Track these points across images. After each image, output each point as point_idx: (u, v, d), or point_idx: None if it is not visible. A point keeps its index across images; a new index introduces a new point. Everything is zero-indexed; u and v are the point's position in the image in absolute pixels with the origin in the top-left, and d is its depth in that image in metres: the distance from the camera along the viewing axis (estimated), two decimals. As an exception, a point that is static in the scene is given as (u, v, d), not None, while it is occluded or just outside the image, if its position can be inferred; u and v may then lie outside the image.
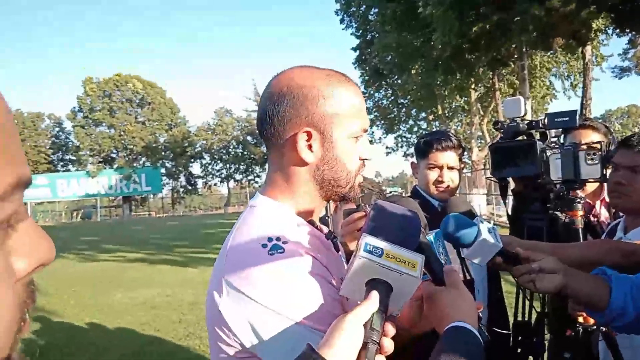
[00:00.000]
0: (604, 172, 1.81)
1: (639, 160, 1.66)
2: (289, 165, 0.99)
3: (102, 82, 47.87)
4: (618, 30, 15.25)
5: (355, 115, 0.99)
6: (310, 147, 0.96)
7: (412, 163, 2.37)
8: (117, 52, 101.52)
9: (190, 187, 52.84)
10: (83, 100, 47.63)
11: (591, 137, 2.24)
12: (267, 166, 0.99)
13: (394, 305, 0.83)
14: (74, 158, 50.98)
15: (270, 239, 0.90)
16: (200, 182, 53.17)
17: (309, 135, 0.95)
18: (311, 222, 1.03)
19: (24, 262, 0.38)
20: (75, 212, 48.71)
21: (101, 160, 48.39)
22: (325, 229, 1.09)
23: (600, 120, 2.40)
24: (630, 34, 16.72)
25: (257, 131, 1.04)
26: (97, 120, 47.53)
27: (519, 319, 2.09)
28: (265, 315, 0.84)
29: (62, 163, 52.78)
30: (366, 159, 1.05)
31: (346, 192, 1.03)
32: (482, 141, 27.92)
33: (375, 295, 0.77)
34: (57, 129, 52.87)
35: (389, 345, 0.77)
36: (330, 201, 1.13)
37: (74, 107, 48.55)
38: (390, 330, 0.79)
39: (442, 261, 1.08)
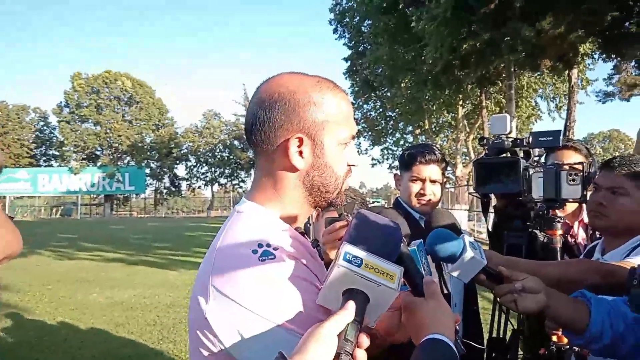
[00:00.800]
0: (585, 193, 1.84)
1: (619, 182, 1.68)
2: (279, 171, 0.98)
3: (91, 78, 47.53)
4: (604, 56, 15.57)
5: (345, 122, 1.00)
6: (300, 153, 0.95)
7: (395, 175, 2.37)
8: (108, 50, 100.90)
9: (174, 189, 52.52)
10: (70, 96, 47.20)
11: (573, 158, 2.27)
12: (252, 172, 0.97)
13: (370, 317, 0.82)
14: (57, 153, 50.43)
15: (260, 245, 0.89)
16: (184, 185, 52.98)
17: (301, 141, 0.95)
18: (297, 229, 1.03)
19: None
20: (55, 209, 48.07)
21: (85, 157, 47.90)
22: (313, 234, 1.09)
23: (582, 143, 2.44)
24: (615, 60, 17.07)
25: (244, 136, 1.03)
26: (84, 117, 47.09)
27: (494, 334, 2.10)
28: (255, 322, 0.83)
29: (44, 158, 52.14)
30: (353, 165, 1.05)
31: (334, 197, 1.03)
32: (467, 157, 28.22)
33: (351, 306, 0.77)
34: (41, 123, 52.27)
35: (362, 357, 0.77)
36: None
37: (61, 102, 48.17)
38: (365, 341, 0.78)
39: (424, 272, 1.07)
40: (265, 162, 1.00)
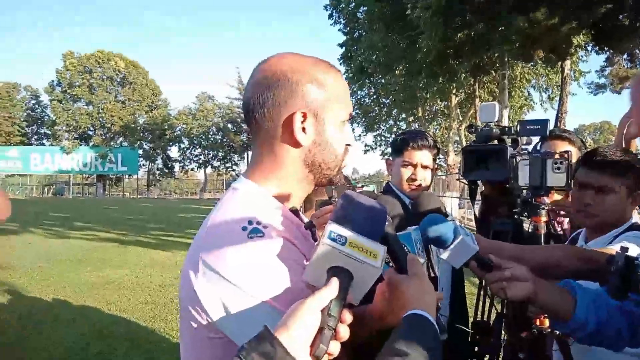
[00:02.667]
0: (569, 181, 1.87)
1: (605, 181, 1.68)
2: (281, 148, 1.00)
3: (84, 57, 46.90)
4: (597, 48, 15.59)
5: (343, 100, 1.02)
6: (304, 129, 0.98)
7: (387, 159, 2.40)
8: (101, 29, 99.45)
9: (167, 171, 52.29)
10: (62, 75, 46.64)
11: (566, 149, 2.29)
12: (246, 155, 0.99)
13: (354, 294, 0.84)
14: (49, 132, 49.98)
15: (250, 222, 0.91)
16: (177, 166, 52.74)
17: (304, 116, 0.97)
18: (294, 210, 1.04)
19: None
20: (47, 188, 47.77)
21: (77, 136, 47.47)
22: (305, 219, 1.10)
23: (577, 135, 2.47)
24: (608, 52, 17.10)
25: (237, 119, 1.04)
26: (76, 96, 46.62)
27: (479, 318, 2.15)
28: (238, 295, 0.85)
29: (36, 136, 51.65)
30: (349, 145, 1.08)
31: (334, 175, 1.06)
32: (459, 146, 28.23)
33: (335, 282, 0.78)
34: (33, 101, 51.70)
35: (344, 332, 0.78)
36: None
37: (53, 81, 47.59)
38: (348, 317, 0.79)
39: (418, 256, 1.09)
40: (266, 141, 1.01)
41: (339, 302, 0.78)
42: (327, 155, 1.02)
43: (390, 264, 0.97)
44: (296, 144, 0.99)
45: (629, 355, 1.40)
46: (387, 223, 0.94)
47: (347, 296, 0.80)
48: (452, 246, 1.19)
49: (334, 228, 0.82)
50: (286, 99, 0.97)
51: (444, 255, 1.22)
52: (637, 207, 1.82)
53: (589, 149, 1.98)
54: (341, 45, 28.17)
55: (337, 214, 0.88)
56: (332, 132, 1.01)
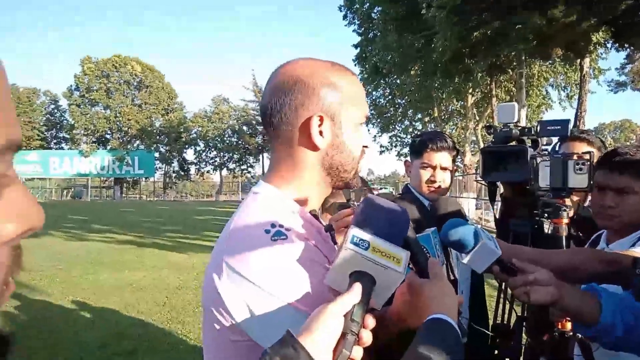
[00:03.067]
0: (591, 182, 1.84)
1: (625, 182, 1.65)
2: (299, 151, 1.01)
3: (101, 62, 47.47)
4: (617, 45, 15.35)
5: (359, 103, 1.03)
6: (321, 133, 0.99)
7: (405, 161, 2.39)
8: (118, 34, 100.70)
9: (183, 173, 52.68)
10: (80, 79, 47.24)
11: (584, 150, 2.25)
12: (261, 157, 0.99)
13: (377, 299, 0.84)
14: (67, 136, 50.67)
15: (273, 225, 0.92)
16: (193, 169, 53.11)
17: (321, 120, 0.98)
18: (313, 213, 1.05)
19: (11, 226, 0.37)
20: (66, 191, 48.45)
21: (95, 140, 48.06)
22: (324, 222, 1.10)
23: (593, 133, 2.42)
24: (628, 49, 16.85)
25: (252, 121, 1.05)
26: (94, 100, 47.17)
27: (499, 321, 2.13)
28: (262, 297, 0.86)
29: (55, 140, 52.50)
30: (366, 147, 1.08)
31: (351, 178, 1.06)
32: (476, 146, 28.00)
33: (358, 287, 0.78)
34: (52, 106, 52.57)
35: (367, 337, 0.78)
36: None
37: (71, 86, 48.21)
38: (370, 322, 0.79)
39: (437, 258, 1.08)
40: (283, 145, 1.02)
41: (362, 307, 0.77)
42: (344, 158, 1.02)
43: (411, 267, 0.96)
44: (314, 147, 1.00)
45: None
46: (408, 227, 0.94)
47: (369, 301, 0.80)
48: (473, 251, 1.18)
49: (356, 232, 0.82)
50: (303, 102, 0.98)
51: (466, 259, 1.20)
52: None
53: (608, 149, 1.95)
54: (356, 46, 28.13)
55: (359, 218, 0.88)
56: (348, 135, 1.02)
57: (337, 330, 0.74)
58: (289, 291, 0.86)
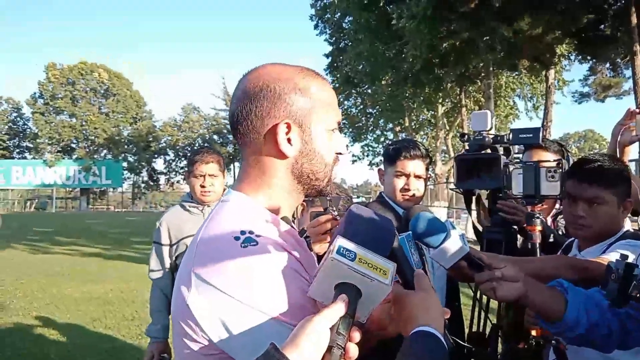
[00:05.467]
0: (563, 190, 1.85)
1: (596, 193, 1.66)
2: (267, 160, 0.97)
3: (66, 69, 46.62)
4: (580, 57, 15.90)
5: (330, 108, 1.00)
6: (289, 140, 0.95)
7: (379, 169, 2.38)
8: (84, 40, 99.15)
9: (152, 183, 51.89)
10: (45, 87, 46.25)
11: (545, 157, 2.28)
12: (233, 165, 0.95)
13: (362, 312, 0.82)
14: (31, 145, 49.37)
15: (243, 232, 0.88)
16: (162, 179, 52.36)
17: (289, 127, 0.95)
18: (285, 219, 1.02)
19: None
20: (30, 202, 47.13)
21: (60, 149, 47.00)
22: (297, 228, 1.08)
23: (558, 142, 2.46)
24: (591, 61, 17.43)
25: (223, 130, 1.01)
26: (59, 108, 46.20)
27: (474, 329, 2.12)
28: (236, 308, 0.82)
29: (18, 150, 50.97)
30: (340, 153, 1.05)
31: (323, 186, 1.03)
32: (446, 155, 28.50)
33: (344, 299, 0.76)
34: (15, 114, 51.02)
35: (353, 351, 0.76)
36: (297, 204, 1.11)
37: (35, 93, 47.14)
38: (356, 336, 0.77)
39: (414, 263, 1.07)
40: (252, 152, 0.99)
41: (348, 319, 0.76)
42: (315, 166, 0.99)
43: (397, 279, 0.94)
44: (282, 155, 0.96)
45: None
46: (394, 238, 0.92)
47: (355, 314, 0.78)
48: (442, 246, 1.17)
49: (342, 243, 0.79)
50: (269, 109, 0.95)
51: (433, 255, 1.20)
52: (629, 215, 1.81)
53: (570, 155, 1.98)
54: (327, 56, 28.30)
55: (346, 228, 0.86)
56: (320, 142, 0.99)
57: (323, 344, 0.73)
58: (263, 300, 0.83)
